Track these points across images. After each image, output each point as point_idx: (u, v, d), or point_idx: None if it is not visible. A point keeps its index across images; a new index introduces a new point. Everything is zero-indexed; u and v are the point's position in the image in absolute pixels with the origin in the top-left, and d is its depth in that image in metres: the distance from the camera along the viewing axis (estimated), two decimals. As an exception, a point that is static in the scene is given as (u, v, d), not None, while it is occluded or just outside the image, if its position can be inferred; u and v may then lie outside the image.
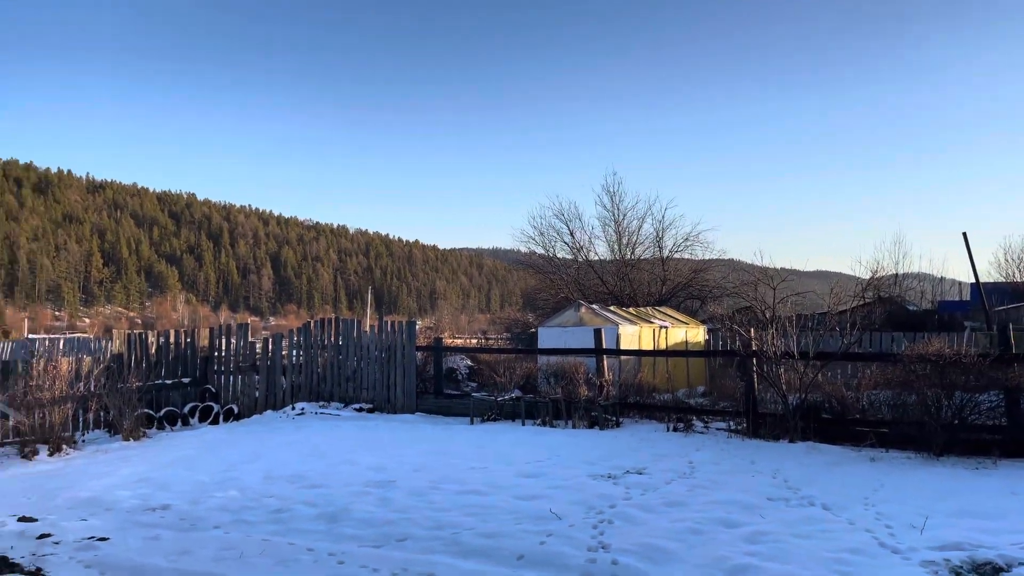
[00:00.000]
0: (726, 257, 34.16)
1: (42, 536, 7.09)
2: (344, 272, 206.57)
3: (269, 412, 17.37)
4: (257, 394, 17.92)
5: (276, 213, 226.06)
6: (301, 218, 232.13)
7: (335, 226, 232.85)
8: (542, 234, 35.62)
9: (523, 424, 14.75)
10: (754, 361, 13.25)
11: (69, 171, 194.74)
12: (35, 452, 12.19)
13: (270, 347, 18.34)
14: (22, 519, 7.76)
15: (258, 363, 18.12)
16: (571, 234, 35.20)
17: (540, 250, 36.17)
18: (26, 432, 12.60)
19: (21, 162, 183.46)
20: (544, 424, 14.61)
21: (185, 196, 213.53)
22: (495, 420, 15.42)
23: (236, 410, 17.28)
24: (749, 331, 13.80)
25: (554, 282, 34.23)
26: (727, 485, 8.77)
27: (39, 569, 6.15)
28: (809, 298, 29.43)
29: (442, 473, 9.65)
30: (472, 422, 15.23)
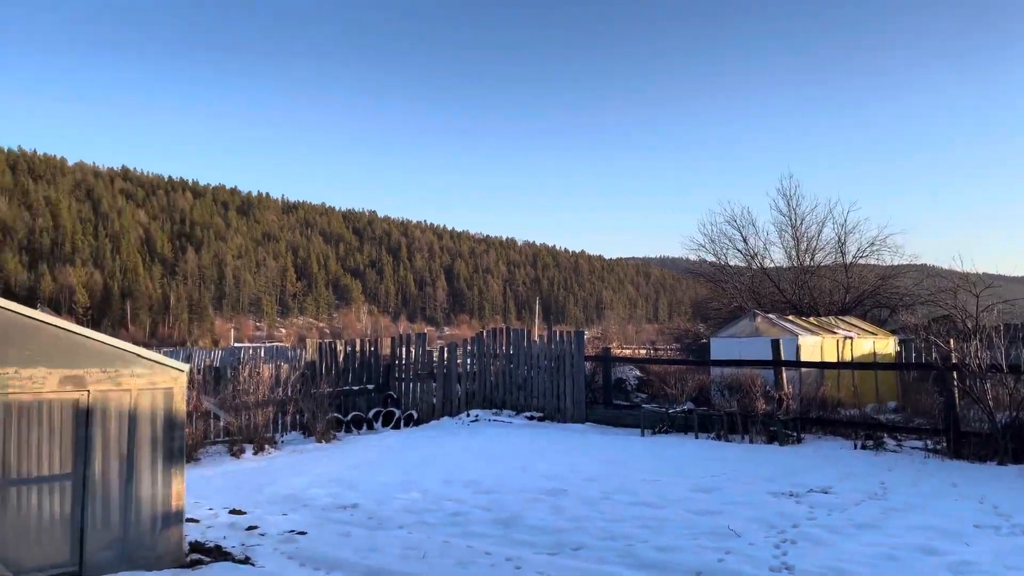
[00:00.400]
0: (918, 262, 31.33)
1: (250, 528, 7.80)
2: (512, 283, 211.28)
3: (446, 418, 18.09)
4: (434, 400, 18.72)
5: (449, 228, 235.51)
6: (472, 232, 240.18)
7: (504, 239, 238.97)
8: (713, 241, 34.56)
9: (696, 437, 14.37)
10: (954, 375, 12.13)
11: (267, 194, 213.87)
12: (242, 451, 13.43)
13: (446, 356, 19.11)
14: (233, 511, 8.57)
15: (435, 371, 18.93)
16: (744, 240, 33.91)
17: (711, 258, 35.10)
18: (234, 432, 13.92)
19: (227, 187, 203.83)
20: (718, 438, 14.16)
21: (367, 214, 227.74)
22: (666, 432, 15.14)
23: (416, 416, 18.13)
24: (948, 342, 12.65)
25: (726, 291, 33.09)
26: (926, 509, 8.08)
27: (248, 558, 6.77)
28: (1019, 306, 26.51)
29: (614, 483, 9.61)
30: (643, 433, 15.05)
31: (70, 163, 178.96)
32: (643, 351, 37.30)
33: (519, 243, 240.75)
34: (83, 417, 6.31)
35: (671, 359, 25.85)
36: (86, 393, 6.33)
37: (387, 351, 19.44)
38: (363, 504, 8.81)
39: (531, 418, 17.42)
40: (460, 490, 9.47)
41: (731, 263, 34.92)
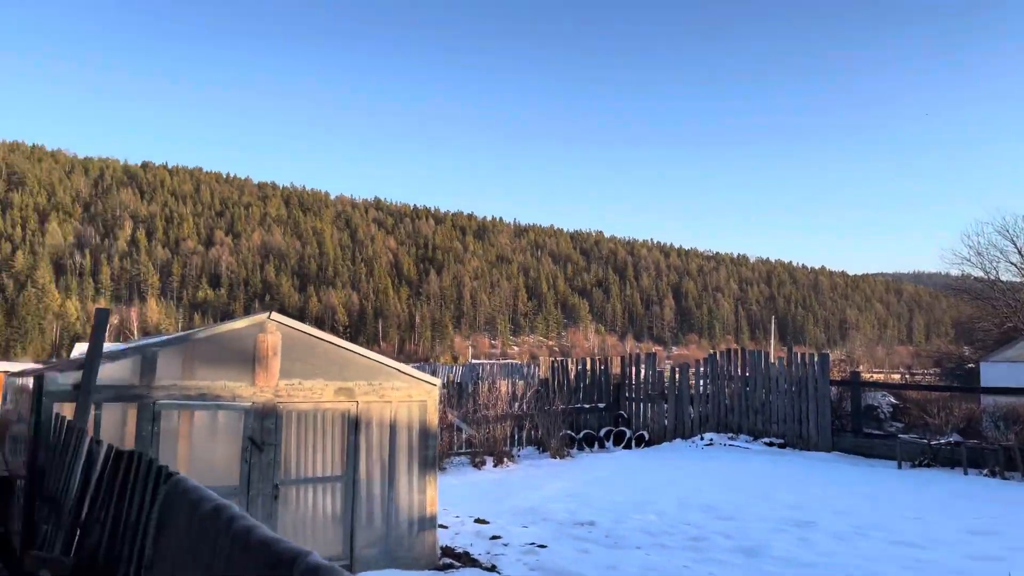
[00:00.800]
0: None
1: (494, 537, 8.18)
2: (745, 301, 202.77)
3: (678, 440, 17.74)
4: (666, 422, 18.44)
5: (676, 245, 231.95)
6: (701, 249, 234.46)
7: (735, 255, 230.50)
8: (980, 254, 30.80)
9: (964, 473, 12.83)
10: None
11: (500, 218, 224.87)
12: (483, 462, 14.13)
13: (676, 376, 18.78)
14: (477, 520, 9.04)
15: (666, 391, 18.67)
16: (1019, 252, 29.88)
17: (977, 272, 31.28)
18: (476, 444, 14.68)
19: (465, 213, 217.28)
20: (992, 475, 12.53)
21: (593, 234, 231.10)
22: (927, 466, 13.67)
23: (647, 436, 17.98)
24: None
25: (997, 309, 29.29)
26: None
27: (494, 566, 7.10)
28: None
29: (868, 518, 8.86)
30: (899, 466, 13.72)
31: (332, 196, 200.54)
32: (896, 376, 34.06)
33: (751, 260, 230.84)
34: (352, 425, 7.02)
35: (932, 385, 23.33)
36: (355, 403, 7.04)
37: (616, 370, 19.50)
38: (599, 522, 8.89)
39: (770, 444, 16.56)
40: (697, 514, 9.24)
41: (1003, 278, 30.90)
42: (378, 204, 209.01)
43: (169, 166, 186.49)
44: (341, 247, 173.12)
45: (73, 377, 6.18)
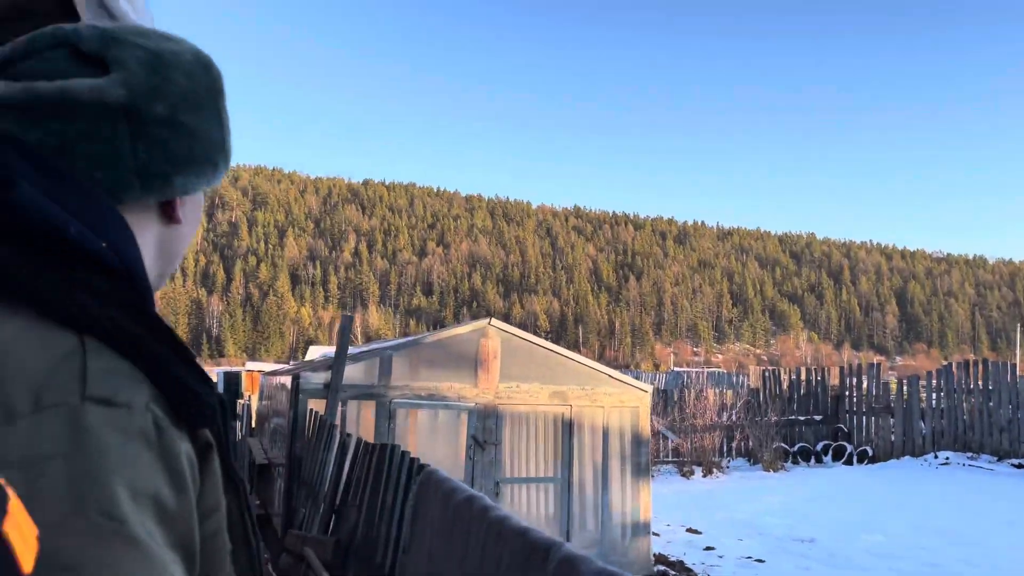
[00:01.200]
0: None
1: (707, 548, 8.06)
2: (983, 307, 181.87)
3: (907, 458, 16.33)
4: (892, 437, 17.05)
5: (900, 247, 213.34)
6: (929, 251, 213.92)
7: (970, 257, 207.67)
8: None
9: None
10: None
11: (702, 222, 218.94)
12: (692, 472, 13.89)
13: (905, 388, 17.30)
14: (689, 530, 8.94)
15: (892, 405, 17.26)
16: None
17: None
18: (684, 453, 14.47)
19: (665, 218, 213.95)
20: None
21: (805, 236, 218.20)
22: None
23: (870, 452, 16.74)
24: None
25: None
26: None
27: (706, 580, 7.01)
28: None
29: None
30: None
31: (534, 206, 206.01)
32: None
33: (990, 261, 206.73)
34: (566, 428, 7.25)
35: None
36: (568, 407, 7.26)
37: (834, 381, 18.34)
38: (820, 539, 8.46)
39: (1019, 466, 14.80)
40: (933, 538, 8.51)
41: None
42: (578, 212, 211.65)
43: (387, 183, 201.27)
44: (542, 255, 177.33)
45: (323, 377, 6.93)
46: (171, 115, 0.73)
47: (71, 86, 0.68)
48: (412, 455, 3.42)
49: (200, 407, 0.67)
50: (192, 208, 0.82)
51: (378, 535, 3.48)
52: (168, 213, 0.77)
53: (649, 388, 7.61)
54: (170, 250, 0.80)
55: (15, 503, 0.39)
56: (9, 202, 0.62)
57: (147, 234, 0.75)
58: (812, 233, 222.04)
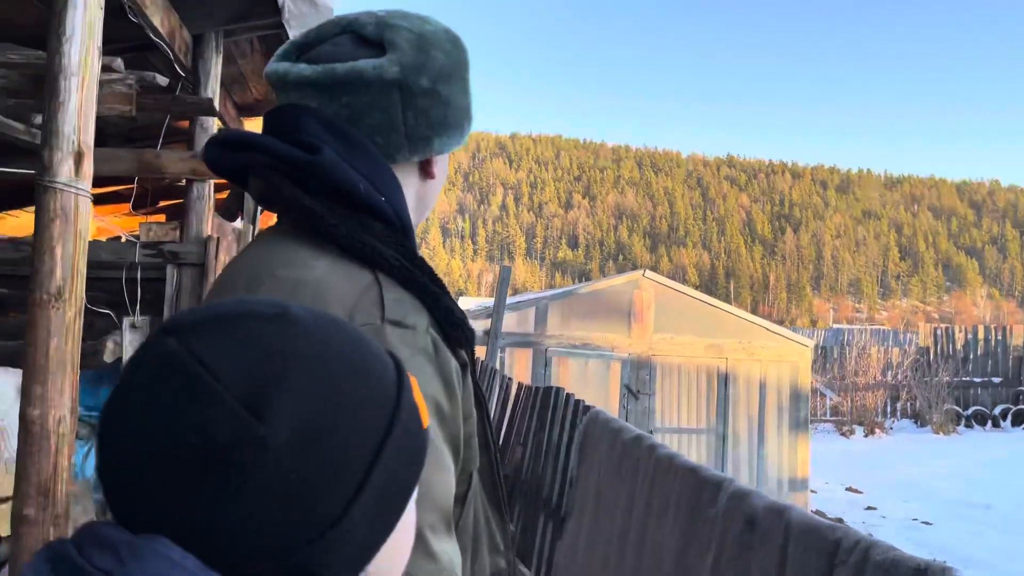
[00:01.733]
0: None
1: (868, 508, 7.82)
2: None
3: (1102, 427, 14.88)
4: (1086, 405, 15.55)
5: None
6: None
7: None
8: None
9: None
10: None
11: (868, 170, 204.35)
12: (852, 431, 13.37)
13: (1103, 352, 15.68)
14: (848, 489, 8.69)
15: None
16: None
17: None
18: (843, 412, 13.93)
19: (826, 166, 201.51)
20: None
21: (987, 184, 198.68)
22: None
23: (1058, 419, 15.38)
24: None
25: None
26: None
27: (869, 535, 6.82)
28: None
29: None
30: None
31: (684, 155, 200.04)
32: None
33: None
34: (722, 380, 7.22)
35: None
36: (724, 360, 7.22)
37: (1017, 341, 16.90)
38: (997, 506, 7.98)
39: None
40: None
41: None
42: (731, 161, 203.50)
43: (533, 136, 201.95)
44: (692, 206, 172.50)
45: (482, 324, 7.26)
46: (432, 87, 0.87)
47: (360, 67, 0.84)
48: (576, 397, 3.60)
49: (463, 332, 0.83)
50: (441, 165, 0.97)
51: (544, 471, 3.70)
52: (426, 170, 0.93)
53: (810, 343, 7.41)
54: (425, 201, 0.97)
55: (412, 378, 0.55)
56: (317, 164, 0.80)
57: (410, 188, 0.91)
58: (996, 180, 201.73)
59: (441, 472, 0.76)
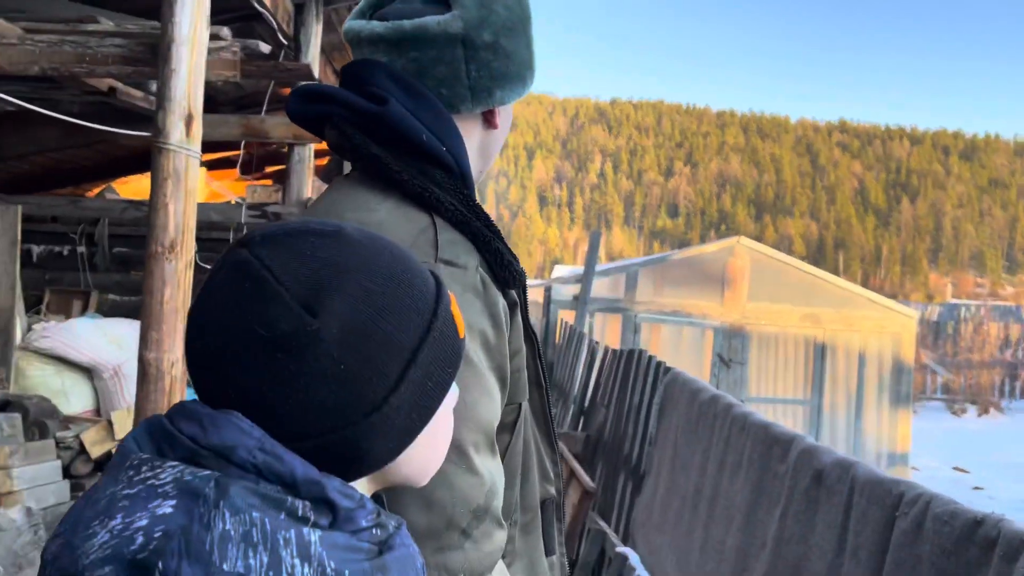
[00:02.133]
0: None
1: (976, 488, 7.47)
2: None
3: None
4: None
5: None
6: None
7: None
8: None
9: None
10: None
11: (997, 135, 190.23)
12: (964, 410, 12.73)
13: None
14: (955, 468, 8.32)
15: None
16: None
17: None
18: (955, 390, 13.26)
19: (949, 131, 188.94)
20: None
21: None
22: None
23: None
24: None
25: None
26: None
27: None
28: None
29: None
30: None
31: (792, 120, 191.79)
32: None
33: None
34: (818, 351, 7.02)
35: None
36: (821, 330, 7.01)
37: None
38: (1123, 494, 7.47)
39: None
40: None
41: None
42: (843, 126, 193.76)
43: (634, 101, 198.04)
44: (800, 174, 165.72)
45: (572, 290, 7.31)
46: (494, 40, 0.93)
47: (426, 22, 0.91)
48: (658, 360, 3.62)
49: (511, 273, 0.90)
50: (505, 116, 1.03)
51: (625, 431, 3.75)
52: (489, 120, 0.99)
53: (915, 315, 7.10)
54: (489, 150, 1.03)
55: (452, 296, 0.62)
56: (384, 114, 0.87)
57: (473, 138, 0.98)
58: None
59: (484, 396, 0.84)
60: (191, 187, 2.60)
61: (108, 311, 4.55)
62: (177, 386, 2.74)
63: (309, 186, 4.27)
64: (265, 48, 3.03)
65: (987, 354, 13.63)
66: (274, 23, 3.75)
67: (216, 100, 4.61)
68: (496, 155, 1.06)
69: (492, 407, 0.85)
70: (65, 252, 4.66)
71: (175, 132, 2.51)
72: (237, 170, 7.23)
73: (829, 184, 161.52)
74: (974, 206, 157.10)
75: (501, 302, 0.88)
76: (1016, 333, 14.87)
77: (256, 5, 3.50)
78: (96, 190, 6.55)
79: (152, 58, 2.61)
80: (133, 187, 6.29)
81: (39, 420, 3.43)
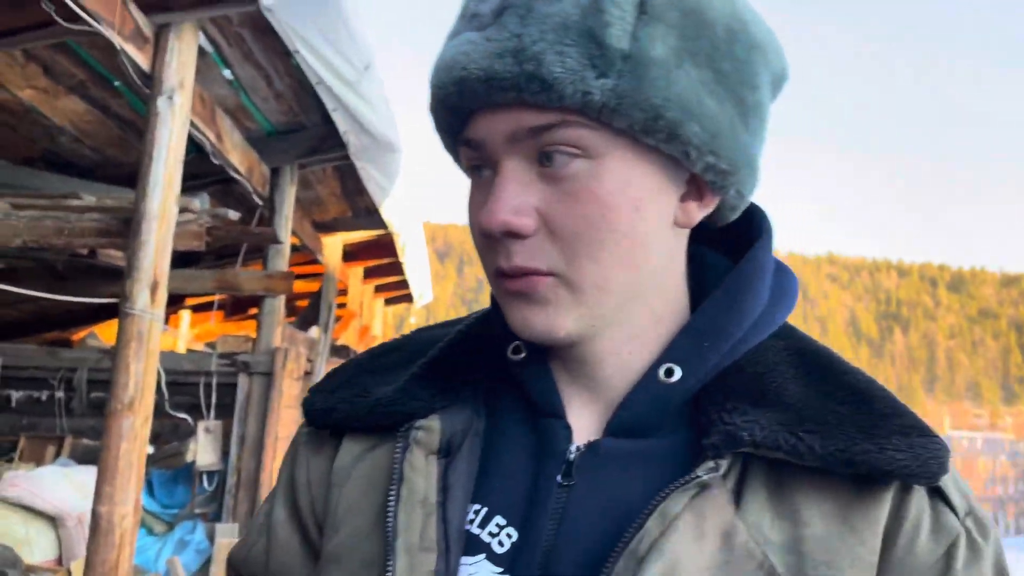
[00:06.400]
0: None
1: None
2: None
3: None
4: None
5: None
6: None
7: None
8: None
9: None
10: None
11: (982, 267, 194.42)
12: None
13: None
14: None
15: None
16: None
17: None
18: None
19: (935, 264, 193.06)
20: None
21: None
22: None
23: None
24: None
25: None
26: None
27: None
28: None
29: None
30: None
31: (783, 254, 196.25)
32: None
33: None
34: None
35: None
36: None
37: None
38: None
39: None
40: None
41: None
42: (831, 259, 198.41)
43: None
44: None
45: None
46: None
47: None
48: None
49: None
50: None
51: None
52: None
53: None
54: None
55: None
56: None
57: None
58: None
59: None
60: (152, 348, 2.80)
61: (81, 455, 4.64)
62: (127, 538, 2.83)
63: (278, 335, 4.47)
64: (234, 216, 3.30)
65: (976, 489, 13.50)
66: (249, 187, 4.08)
67: (197, 251, 4.90)
68: None
69: None
70: (44, 397, 4.80)
71: (140, 299, 2.74)
72: (221, 313, 7.52)
73: (821, 315, 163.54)
74: (966, 336, 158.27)
75: None
76: (1005, 468, 14.79)
77: (231, 173, 3.84)
78: (82, 334, 6.77)
79: (125, 230, 2.88)
80: (115, 331, 6.51)
81: (1, 571, 3.46)
